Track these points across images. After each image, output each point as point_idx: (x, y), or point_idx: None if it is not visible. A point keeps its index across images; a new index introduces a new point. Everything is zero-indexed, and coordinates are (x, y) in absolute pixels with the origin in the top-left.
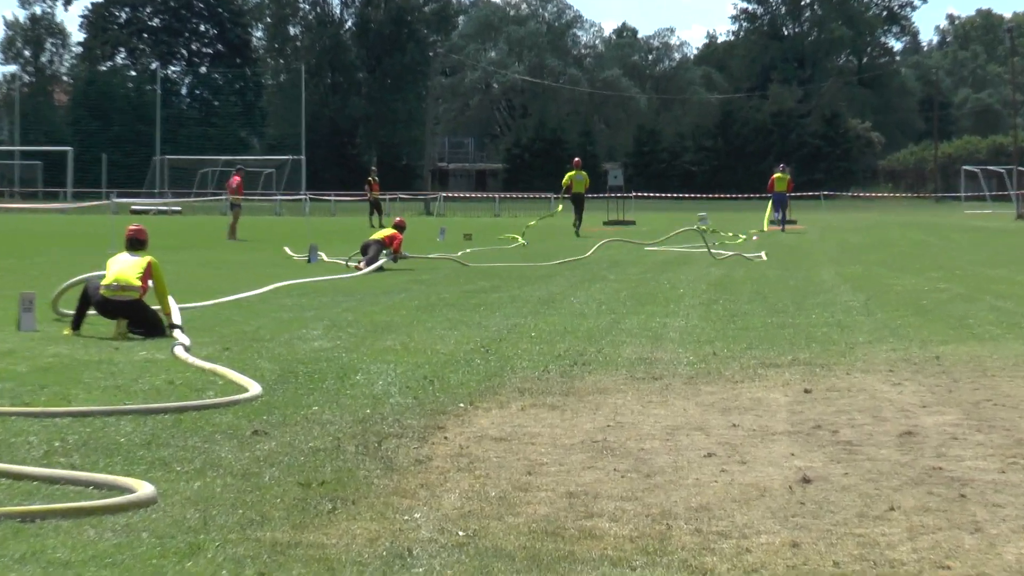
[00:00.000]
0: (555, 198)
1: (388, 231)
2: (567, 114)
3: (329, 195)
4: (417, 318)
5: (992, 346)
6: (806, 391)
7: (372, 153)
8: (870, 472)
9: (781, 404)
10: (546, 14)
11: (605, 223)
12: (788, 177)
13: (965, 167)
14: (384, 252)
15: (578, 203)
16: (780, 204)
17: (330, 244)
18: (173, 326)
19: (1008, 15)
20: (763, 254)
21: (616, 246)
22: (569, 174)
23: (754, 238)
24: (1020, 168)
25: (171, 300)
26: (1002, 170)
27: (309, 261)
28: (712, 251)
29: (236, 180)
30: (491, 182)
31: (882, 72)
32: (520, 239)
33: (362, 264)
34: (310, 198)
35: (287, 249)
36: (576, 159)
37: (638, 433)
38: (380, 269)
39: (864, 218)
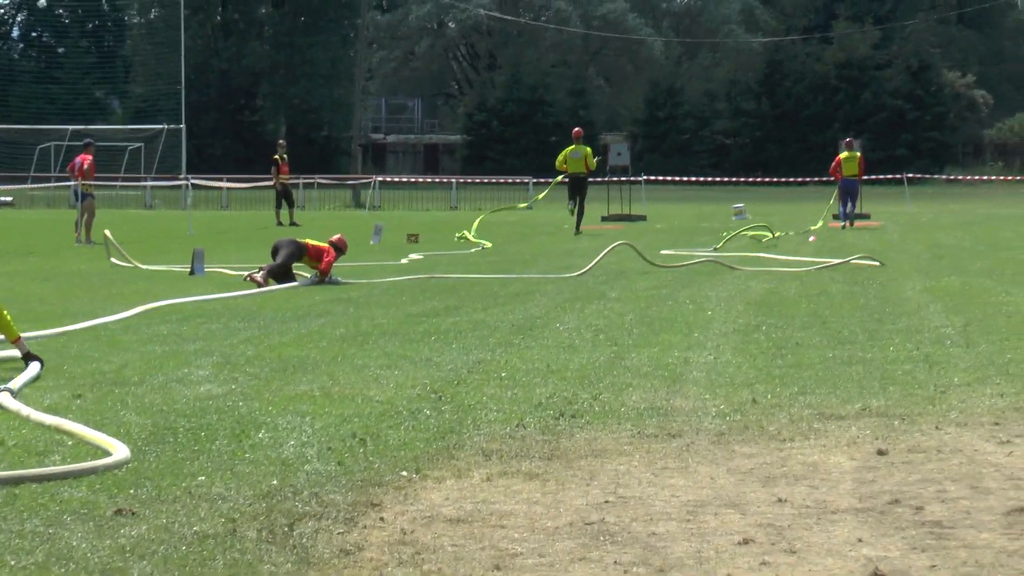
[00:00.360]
0: (534, 183)
1: (319, 243)
2: (552, 66)
3: (220, 180)
4: (343, 352)
5: None
6: (880, 452)
7: (279, 121)
8: (967, 564)
9: (846, 471)
10: None
11: (604, 218)
12: (859, 155)
13: None
14: (306, 272)
15: (577, 189)
16: (849, 193)
17: (222, 248)
18: (30, 357)
19: None
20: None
21: (620, 250)
22: (565, 151)
23: (811, 239)
24: None
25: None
26: None
27: (193, 273)
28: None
29: (86, 159)
30: (446, 161)
31: (991, 5)
32: (470, 236)
33: (258, 274)
34: (193, 184)
35: (108, 235)
36: (576, 129)
37: (648, 512)
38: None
39: (964, 210)
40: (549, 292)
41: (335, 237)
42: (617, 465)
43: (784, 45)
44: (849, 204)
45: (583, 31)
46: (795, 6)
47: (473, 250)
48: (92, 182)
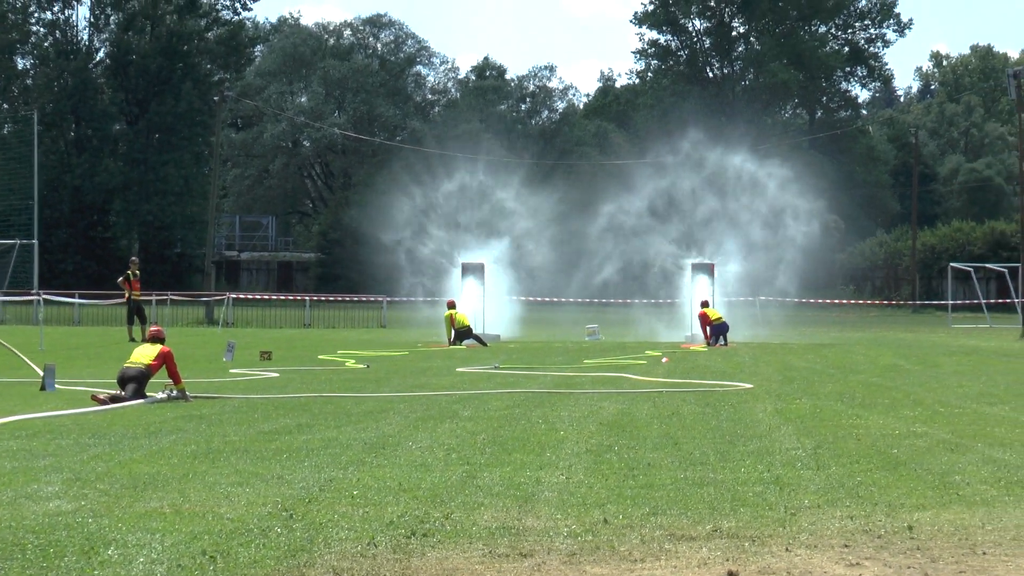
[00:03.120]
0: (388, 302)
1: (152, 351)
2: (407, 184)
3: (72, 296)
4: (193, 469)
5: (984, 513)
6: (731, 574)
7: (132, 237)
8: None
9: None
10: (378, 45)
11: (453, 341)
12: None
13: (953, 264)
14: (162, 391)
15: (470, 334)
16: (723, 332)
17: (74, 364)
18: None
19: (1014, 54)
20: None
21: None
22: (446, 318)
23: (664, 360)
24: None
25: None
26: (1004, 268)
27: (44, 388)
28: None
29: None
30: (300, 279)
31: (842, 132)
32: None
33: (102, 395)
34: (44, 299)
35: None
36: (450, 300)
37: None
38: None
39: (816, 333)
40: (402, 411)
41: (152, 329)
42: None
43: (638, 167)
44: (720, 338)
45: (438, 152)
46: (648, 128)
47: (326, 368)
48: None
